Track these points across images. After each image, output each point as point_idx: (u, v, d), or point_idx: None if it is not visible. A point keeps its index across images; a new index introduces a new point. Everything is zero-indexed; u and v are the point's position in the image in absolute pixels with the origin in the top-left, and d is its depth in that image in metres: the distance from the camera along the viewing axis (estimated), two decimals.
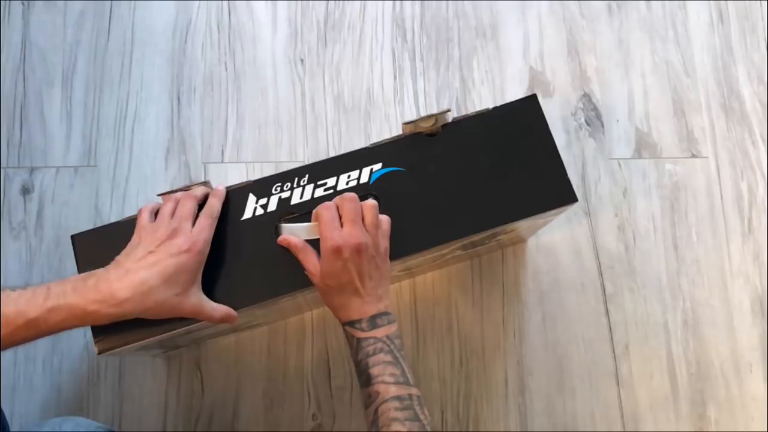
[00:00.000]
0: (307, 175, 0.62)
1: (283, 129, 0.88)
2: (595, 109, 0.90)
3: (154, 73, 0.89)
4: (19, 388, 0.78)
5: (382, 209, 0.60)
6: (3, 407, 0.65)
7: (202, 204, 0.59)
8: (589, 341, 0.83)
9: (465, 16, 0.93)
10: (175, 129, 0.87)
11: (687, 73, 0.92)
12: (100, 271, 0.53)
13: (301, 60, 0.91)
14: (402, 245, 0.60)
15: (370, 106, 0.89)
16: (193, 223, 0.56)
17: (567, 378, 0.81)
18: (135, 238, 0.55)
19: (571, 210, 0.86)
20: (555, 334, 0.83)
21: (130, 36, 0.90)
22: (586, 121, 0.90)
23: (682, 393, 0.82)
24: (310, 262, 0.57)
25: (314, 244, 0.58)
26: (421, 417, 0.54)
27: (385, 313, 0.57)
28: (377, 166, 0.62)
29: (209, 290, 0.57)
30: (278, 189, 0.61)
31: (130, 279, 0.51)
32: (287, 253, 0.59)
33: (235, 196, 0.61)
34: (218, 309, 0.56)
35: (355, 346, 0.57)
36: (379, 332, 0.56)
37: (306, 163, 0.75)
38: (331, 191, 0.61)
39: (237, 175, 0.85)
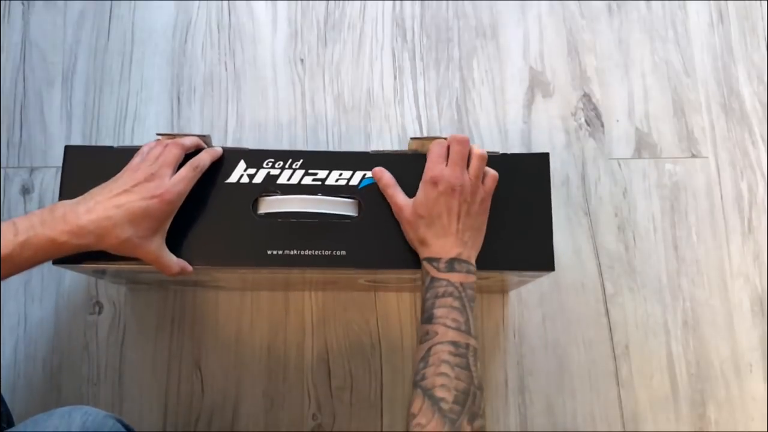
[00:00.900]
0: (301, 160, 0.62)
1: (283, 129, 0.88)
2: (595, 109, 0.90)
3: (154, 73, 0.89)
4: (19, 388, 0.78)
5: (363, 215, 0.60)
6: (3, 407, 0.65)
7: (192, 155, 0.59)
8: (589, 341, 0.83)
9: (465, 16, 0.93)
10: (175, 129, 0.87)
11: (687, 73, 0.92)
12: (68, 202, 0.54)
13: (301, 60, 0.91)
14: (365, 258, 0.61)
15: (370, 106, 0.89)
16: (175, 172, 0.57)
17: (567, 378, 0.81)
18: (119, 174, 0.57)
19: (571, 210, 0.86)
20: (555, 335, 0.83)
21: (130, 36, 0.90)
22: (586, 121, 0.90)
23: (682, 393, 0.82)
24: (399, 197, 0.60)
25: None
26: (472, 368, 0.53)
27: (466, 261, 0.57)
28: (370, 174, 0.62)
29: (174, 239, 0.58)
30: (270, 164, 0.62)
31: (96, 212, 0.53)
32: (260, 227, 0.60)
33: (227, 158, 0.62)
34: (175, 264, 0.57)
35: (426, 283, 0.57)
36: (454, 276, 0.56)
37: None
38: (319, 183, 0.61)
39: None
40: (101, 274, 0.69)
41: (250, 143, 0.87)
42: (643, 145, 0.89)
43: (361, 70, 0.91)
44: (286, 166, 0.62)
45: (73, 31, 0.90)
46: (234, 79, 0.89)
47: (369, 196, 0.61)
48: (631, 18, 0.94)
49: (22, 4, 0.91)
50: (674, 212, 0.87)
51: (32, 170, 0.85)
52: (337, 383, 0.80)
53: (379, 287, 0.79)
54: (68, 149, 0.61)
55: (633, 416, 0.81)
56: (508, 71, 0.91)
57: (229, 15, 0.92)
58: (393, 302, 0.82)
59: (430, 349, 0.53)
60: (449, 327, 0.54)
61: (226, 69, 0.90)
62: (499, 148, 0.88)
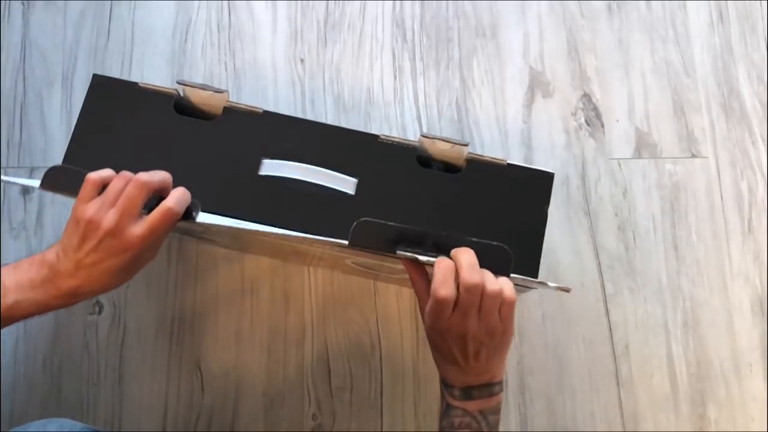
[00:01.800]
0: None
1: None
2: (595, 109, 0.90)
3: (154, 73, 0.89)
4: (19, 387, 0.78)
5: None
6: (3, 407, 0.65)
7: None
8: (589, 341, 0.83)
9: (465, 16, 0.93)
10: None
11: (687, 73, 0.92)
12: (49, 259, 0.51)
13: (301, 60, 0.91)
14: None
15: (370, 106, 0.89)
16: (147, 208, 0.51)
17: (567, 378, 0.81)
18: (72, 223, 0.51)
19: (571, 210, 0.86)
20: (555, 334, 0.83)
21: (130, 36, 0.90)
22: (586, 121, 0.90)
23: (682, 393, 0.82)
24: (424, 300, 0.51)
25: None
26: None
27: (488, 385, 0.52)
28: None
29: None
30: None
31: (80, 276, 0.51)
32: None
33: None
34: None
35: (443, 408, 0.53)
36: (471, 405, 0.52)
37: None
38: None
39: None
40: None
41: None
42: (643, 145, 0.89)
43: (361, 70, 0.91)
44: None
45: (73, 31, 0.90)
46: (234, 79, 0.89)
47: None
48: (631, 18, 0.94)
49: (22, 4, 0.91)
50: (674, 212, 0.87)
51: (32, 170, 0.85)
52: (337, 383, 0.80)
53: (369, 274, 0.78)
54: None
55: (633, 416, 0.81)
56: (508, 71, 0.91)
57: (229, 15, 0.92)
58: (393, 302, 0.82)
59: None
60: None
61: (226, 69, 0.90)
62: (499, 148, 0.88)
